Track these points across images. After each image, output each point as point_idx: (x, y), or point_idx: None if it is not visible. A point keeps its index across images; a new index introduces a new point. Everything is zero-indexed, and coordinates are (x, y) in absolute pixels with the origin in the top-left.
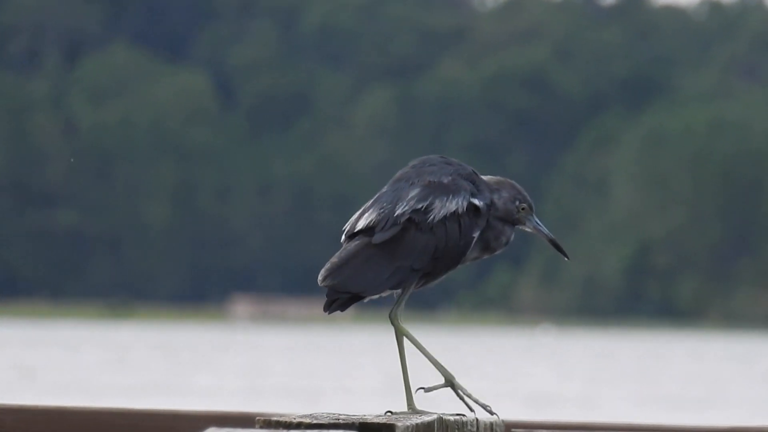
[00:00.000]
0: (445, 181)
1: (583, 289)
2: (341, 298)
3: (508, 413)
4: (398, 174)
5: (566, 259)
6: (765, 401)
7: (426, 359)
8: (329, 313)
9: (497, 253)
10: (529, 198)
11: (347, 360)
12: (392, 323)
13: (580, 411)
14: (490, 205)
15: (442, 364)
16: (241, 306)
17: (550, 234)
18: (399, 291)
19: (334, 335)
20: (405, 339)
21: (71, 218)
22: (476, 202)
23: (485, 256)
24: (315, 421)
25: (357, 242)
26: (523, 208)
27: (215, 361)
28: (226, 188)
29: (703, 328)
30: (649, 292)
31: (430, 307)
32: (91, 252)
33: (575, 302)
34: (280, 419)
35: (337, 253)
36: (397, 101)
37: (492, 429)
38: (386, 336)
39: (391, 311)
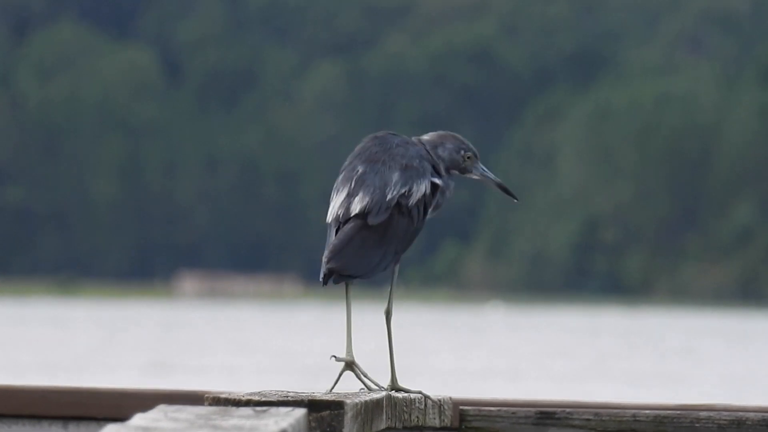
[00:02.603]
0: (415, 164)
1: (530, 264)
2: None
3: (456, 391)
4: (365, 153)
5: (515, 201)
6: (710, 378)
7: (389, 355)
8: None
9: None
10: (473, 147)
11: (295, 336)
12: (386, 318)
13: (530, 388)
14: (447, 183)
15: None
16: (188, 282)
17: (497, 179)
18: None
19: (281, 311)
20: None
21: (18, 194)
22: (437, 181)
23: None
24: (264, 399)
25: (352, 225)
26: (468, 157)
27: (162, 338)
28: (173, 164)
29: (650, 303)
30: (596, 267)
31: (376, 283)
32: (38, 228)
33: (523, 278)
34: (229, 397)
35: (337, 236)
36: (343, 76)
37: (440, 407)
38: (335, 312)
39: (387, 306)
